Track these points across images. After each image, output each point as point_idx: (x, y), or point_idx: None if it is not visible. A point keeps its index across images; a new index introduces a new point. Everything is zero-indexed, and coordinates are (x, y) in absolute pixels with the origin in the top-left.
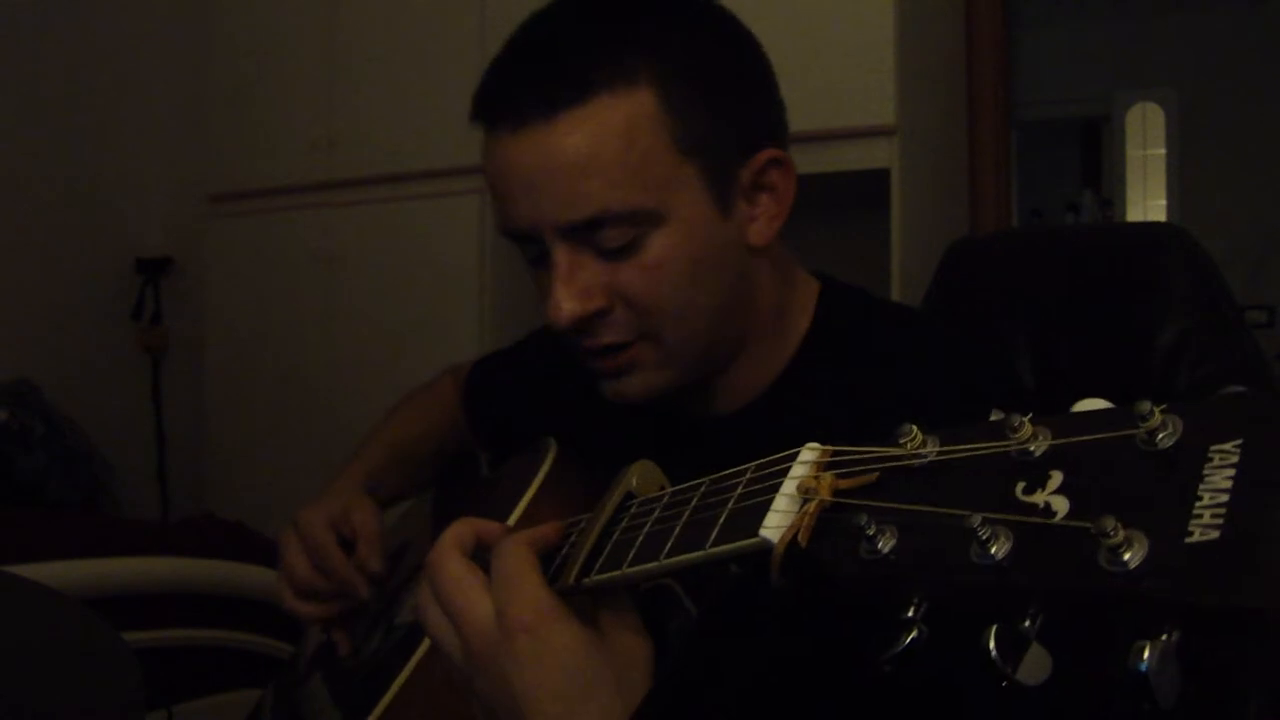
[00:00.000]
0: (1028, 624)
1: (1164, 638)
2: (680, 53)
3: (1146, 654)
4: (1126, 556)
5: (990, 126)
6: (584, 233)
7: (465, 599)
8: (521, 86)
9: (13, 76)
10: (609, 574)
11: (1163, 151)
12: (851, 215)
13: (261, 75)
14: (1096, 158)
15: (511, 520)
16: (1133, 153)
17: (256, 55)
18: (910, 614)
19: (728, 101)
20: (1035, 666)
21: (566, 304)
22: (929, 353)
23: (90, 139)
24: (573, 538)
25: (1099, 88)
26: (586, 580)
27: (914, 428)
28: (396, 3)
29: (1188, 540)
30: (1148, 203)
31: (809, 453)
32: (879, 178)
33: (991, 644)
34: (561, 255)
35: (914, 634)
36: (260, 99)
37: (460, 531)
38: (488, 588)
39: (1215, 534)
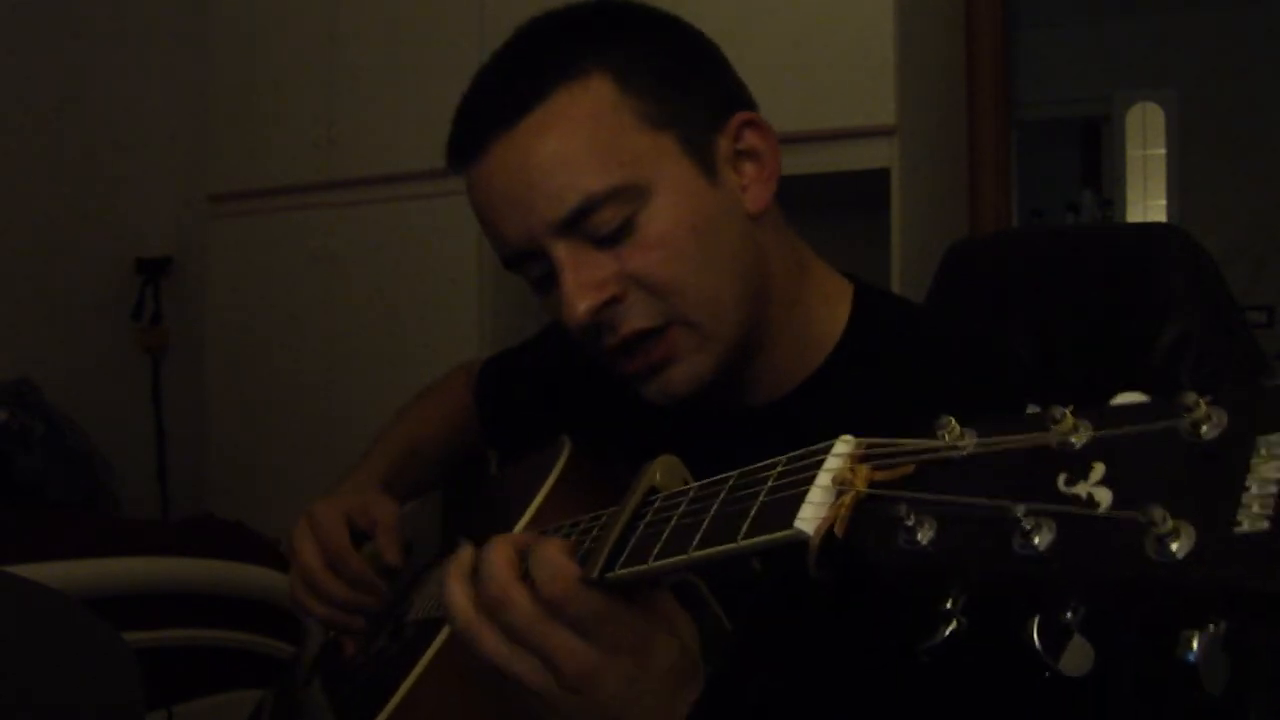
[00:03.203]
0: (1070, 615)
1: (1211, 627)
2: (628, 44)
3: (1195, 644)
4: (1174, 547)
5: (990, 126)
6: (576, 225)
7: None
8: (481, 113)
9: (12, 76)
10: (634, 568)
11: (1163, 151)
12: (851, 215)
13: (261, 75)
14: (1096, 158)
15: (522, 521)
16: (1133, 153)
17: (256, 55)
18: (949, 605)
19: (685, 77)
20: (1078, 657)
21: (580, 300)
22: (967, 353)
23: (90, 139)
24: (594, 532)
25: (1099, 88)
26: (610, 575)
27: (951, 420)
28: (396, 3)
29: (1237, 530)
30: (1148, 203)
31: (843, 445)
32: (879, 178)
33: (1035, 635)
34: (562, 254)
35: (954, 625)
36: (260, 99)
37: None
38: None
39: (1265, 524)
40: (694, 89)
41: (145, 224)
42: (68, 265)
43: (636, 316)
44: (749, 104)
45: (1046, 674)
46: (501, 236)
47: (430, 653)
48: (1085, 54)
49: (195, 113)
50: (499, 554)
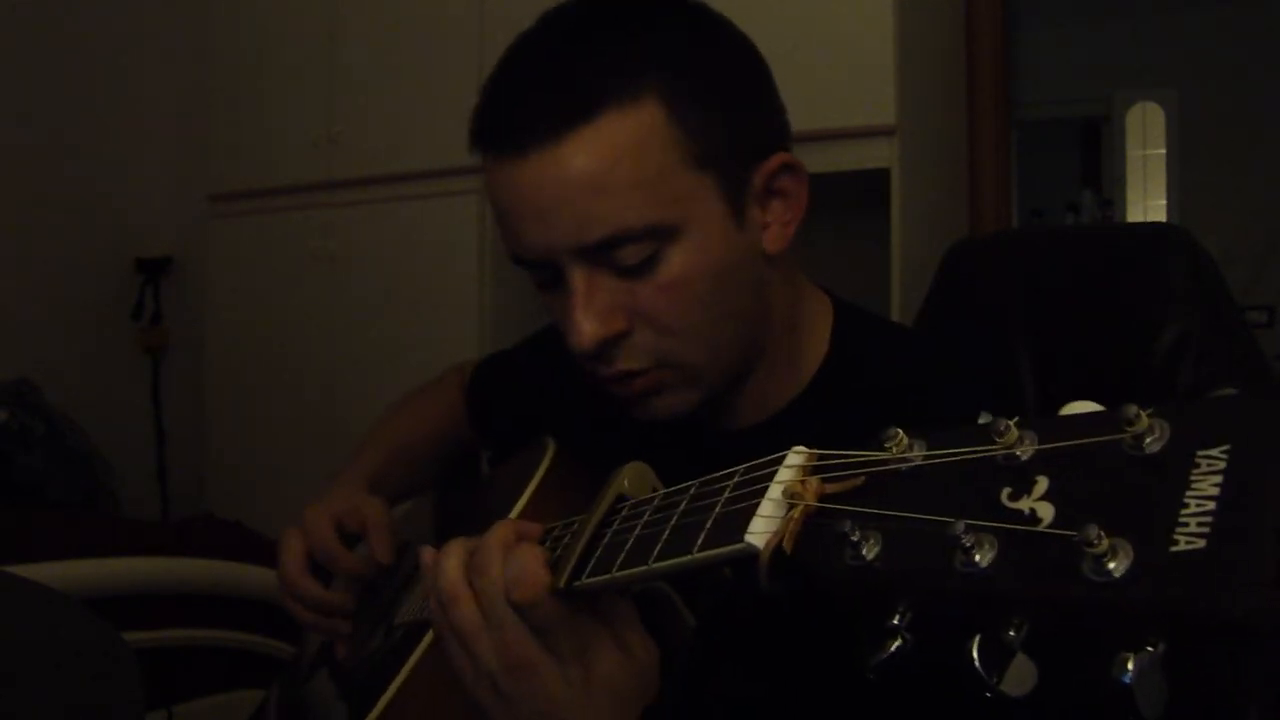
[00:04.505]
0: (1012, 633)
1: (1149, 649)
2: (685, 64)
3: (1130, 665)
4: (1111, 565)
5: (990, 126)
6: (600, 252)
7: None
8: (523, 110)
9: (12, 76)
10: (600, 577)
11: (1163, 151)
12: (851, 215)
13: (261, 75)
14: (1096, 158)
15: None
16: (1133, 153)
17: (256, 55)
18: (895, 622)
19: (736, 110)
20: (1020, 677)
21: (588, 327)
22: (946, 377)
23: (90, 139)
24: (565, 539)
25: (1099, 88)
26: (577, 583)
27: (900, 431)
28: (396, 3)
29: (1173, 549)
30: (1148, 203)
31: (795, 456)
32: (879, 178)
33: (975, 654)
34: (578, 278)
35: (899, 642)
36: (260, 99)
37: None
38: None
39: (1201, 543)
40: (742, 122)
41: (145, 224)
42: (68, 265)
43: (631, 359)
44: (788, 139)
45: (988, 694)
46: (517, 240)
47: (415, 656)
48: (1085, 54)
49: (195, 113)
50: (499, 529)
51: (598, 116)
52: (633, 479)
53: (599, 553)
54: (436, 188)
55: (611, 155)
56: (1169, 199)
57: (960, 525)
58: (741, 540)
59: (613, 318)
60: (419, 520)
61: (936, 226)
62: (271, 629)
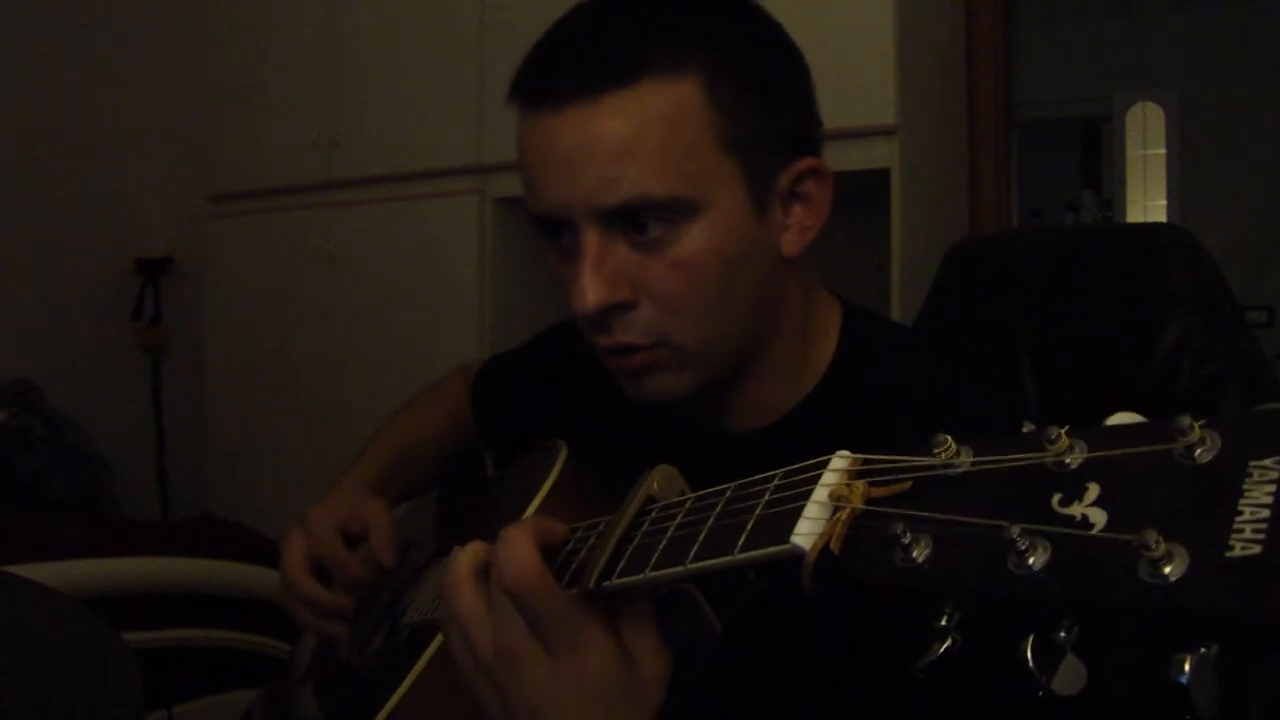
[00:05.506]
0: (1063, 635)
1: (1203, 650)
2: (732, 50)
3: (1187, 666)
4: (1167, 570)
5: (990, 126)
6: (618, 219)
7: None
8: (567, 66)
9: (12, 77)
10: (631, 578)
11: (1163, 151)
12: (851, 215)
13: (261, 75)
14: (1096, 158)
15: None
16: (1133, 153)
17: (256, 55)
18: (944, 623)
19: (775, 104)
20: (1071, 677)
21: (592, 291)
22: (956, 380)
23: (90, 139)
24: (591, 540)
25: (1099, 88)
26: (607, 584)
27: (948, 438)
28: (396, 3)
29: (1229, 554)
30: (1148, 203)
31: (840, 460)
32: (879, 178)
33: (1028, 654)
34: (591, 240)
35: (948, 643)
36: (260, 99)
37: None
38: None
39: (1257, 549)
40: (778, 117)
41: (145, 224)
42: (68, 265)
43: (632, 332)
44: (817, 144)
45: (1039, 694)
46: (539, 194)
47: (425, 657)
48: (1085, 54)
49: (195, 113)
50: (522, 525)
51: (638, 82)
52: (662, 481)
53: (630, 553)
54: (436, 188)
55: (645, 122)
56: (1169, 199)
57: (1015, 529)
58: (787, 542)
59: (619, 286)
60: (421, 519)
61: (936, 226)
62: (271, 629)
